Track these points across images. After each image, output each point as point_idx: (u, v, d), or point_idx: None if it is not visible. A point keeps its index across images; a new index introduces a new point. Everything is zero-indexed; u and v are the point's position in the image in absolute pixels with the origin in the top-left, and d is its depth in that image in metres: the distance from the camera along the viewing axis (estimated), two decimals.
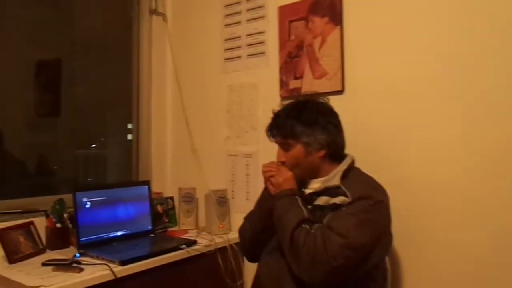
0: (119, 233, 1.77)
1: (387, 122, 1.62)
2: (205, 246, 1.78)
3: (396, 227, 1.34)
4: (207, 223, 2.02)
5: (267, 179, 1.43)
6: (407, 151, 1.58)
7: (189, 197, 2.11)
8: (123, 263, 1.46)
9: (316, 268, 1.19)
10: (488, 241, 1.41)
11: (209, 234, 1.94)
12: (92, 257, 1.54)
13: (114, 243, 1.71)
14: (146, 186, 1.93)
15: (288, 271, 1.29)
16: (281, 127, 1.40)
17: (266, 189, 1.46)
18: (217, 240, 1.86)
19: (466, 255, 1.45)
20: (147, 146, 2.33)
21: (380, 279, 1.36)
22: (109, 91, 2.42)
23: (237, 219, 1.99)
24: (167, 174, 2.37)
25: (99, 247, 1.63)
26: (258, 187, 1.97)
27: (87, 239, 1.64)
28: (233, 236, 1.91)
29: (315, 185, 1.39)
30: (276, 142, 1.45)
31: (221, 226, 1.97)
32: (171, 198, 2.23)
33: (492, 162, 1.41)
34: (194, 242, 1.77)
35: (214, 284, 1.84)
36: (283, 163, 1.41)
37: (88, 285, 1.34)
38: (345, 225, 1.20)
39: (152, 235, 1.89)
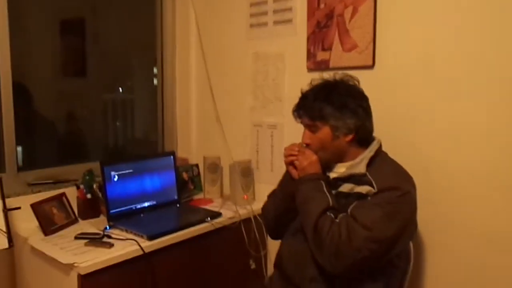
0: (146, 204, 1.82)
1: (417, 101, 1.55)
2: (230, 218, 1.82)
3: (420, 211, 1.31)
4: (231, 194, 2.05)
5: (288, 163, 1.42)
6: (434, 133, 1.52)
7: (214, 166, 2.13)
8: (151, 238, 1.52)
9: (339, 259, 1.20)
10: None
11: (233, 204, 1.97)
12: (121, 229, 1.60)
13: (141, 214, 1.77)
14: (171, 157, 1.95)
15: (311, 255, 1.30)
16: (309, 108, 1.35)
17: (288, 172, 1.44)
18: (241, 211, 1.89)
19: (489, 243, 1.43)
20: (172, 114, 2.34)
21: (403, 266, 1.37)
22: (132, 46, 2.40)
23: (262, 190, 2.02)
24: (192, 140, 2.38)
25: (128, 219, 1.69)
26: (282, 159, 1.96)
27: (116, 211, 1.70)
28: (257, 206, 1.94)
29: (340, 169, 1.37)
30: (302, 123, 1.41)
31: (245, 196, 2.00)
32: (197, 165, 2.26)
33: None
34: (219, 214, 1.81)
35: (239, 255, 1.91)
36: (307, 145, 1.38)
37: (118, 261, 1.40)
38: (371, 216, 1.19)
39: (178, 205, 1.94)
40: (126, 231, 1.58)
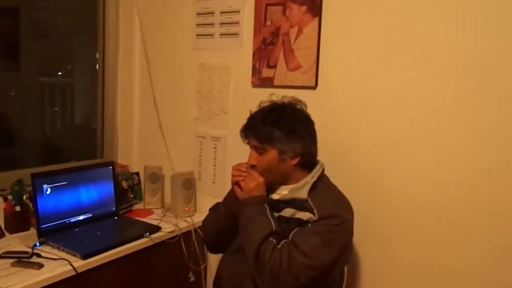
0: (81, 218, 1.74)
1: (358, 121, 1.61)
2: (169, 232, 1.79)
3: (357, 230, 1.37)
4: (172, 205, 2.02)
5: (234, 183, 1.42)
6: (374, 153, 1.59)
7: (155, 176, 2.08)
8: (85, 257, 1.46)
9: (279, 285, 1.22)
10: (444, 245, 1.48)
11: (174, 217, 1.94)
12: (52, 247, 1.53)
13: (76, 229, 1.69)
14: (110, 168, 1.89)
15: (250, 276, 1.31)
16: (258, 130, 1.36)
17: (233, 191, 1.45)
18: (182, 224, 1.87)
19: (422, 259, 1.52)
20: (112, 120, 2.26)
21: (337, 286, 1.42)
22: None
23: (203, 201, 2.02)
24: (133, 147, 2.32)
25: (60, 234, 1.61)
26: (225, 171, 1.98)
27: (47, 226, 1.61)
28: (198, 219, 1.93)
29: (283, 191, 1.39)
30: (249, 144, 1.41)
31: (186, 208, 1.98)
32: (137, 173, 2.21)
33: (456, 162, 1.44)
34: (158, 229, 1.78)
35: (179, 268, 1.89)
36: (253, 166, 1.39)
37: (48, 283, 1.33)
38: (310, 244, 1.22)
39: (116, 217, 1.88)
40: (58, 248, 1.51)
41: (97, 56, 2.23)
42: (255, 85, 1.84)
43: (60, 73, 2.31)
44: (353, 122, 1.62)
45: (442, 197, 1.46)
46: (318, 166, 1.40)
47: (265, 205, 1.33)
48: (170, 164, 2.13)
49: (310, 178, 1.36)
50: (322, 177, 1.40)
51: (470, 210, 1.42)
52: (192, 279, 1.96)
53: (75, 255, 1.47)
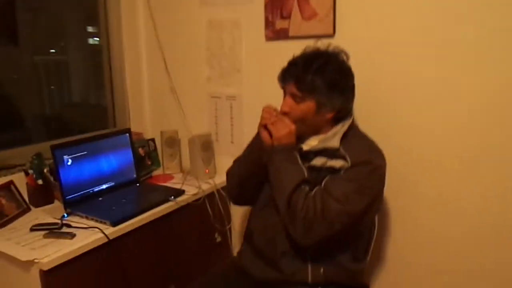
0: (104, 186, 1.73)
1: (379, 70, 1.56)
2: (193, 195, 1.78)
3: (388, 178, 1.33)
4: (192, 168, 2.00)
5: (263, 126, 1.33)
6: (397, 100, 1.55)
7: (171, 141, 2.05)
8: (115, 223, 1.45)
9: (312, 232, 1.21)
10: (475, 199, 1.47)
11: (195, 179, 1.93)
12: (80, 217, 1.52)
13: (100, 198, 1.68)
14: (127, 135, 1.85)
15: (283, 229, 1.31)
16: (300, 77, 1.28)
17: (259, 136, 1.36)
18: (204, 186, 1.86)
19: (452, 211, 1.52)
20: (122, 87, 2.20)
21: (368, 234, 1.42)
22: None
23: (223, 162, 1.99)
24: (145, 114, 2.27)
25: (86, 204, 1.60)
26: (242, 130, 1.95)
27: (72, 197, 1.59)
28: (220, 180, 1.92)
29: (313, 142, 1.35)
30: (285, 89, 1.34)
31: (207, 170, 1.96)
32: (153, 140, 2.17)
33: (485, 115, 1.40)
34: (182, 192, 1.76)
35: (204, 230, 1.89)
36: (285, 114, 1.31)
37: (82, 251, 1.33)
38: (344, 191, 1.21)
39: (138, 184, 1.86)
40: (87, 217, 1.50)
41: (100, 25, 2.14)
42: (269, 39, 1.77)
43: (53, 51, 2.21)
44: (374, 69, 1.56)
45: (466, 142, 1.44)
46: (348, 117, 1.36)
47: (295, 153, 1.30)
48: (185, 127, 2.10)
49: (341, 127, 1.32)
50: (353, 126, 1.36)
51: (493, 155, 1.40)
52: (219, 239, 1.97)
53: (104, 223, 1.46)
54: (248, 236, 1.50)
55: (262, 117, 1.35)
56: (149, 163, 2.14)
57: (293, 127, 1.29)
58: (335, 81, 1.28)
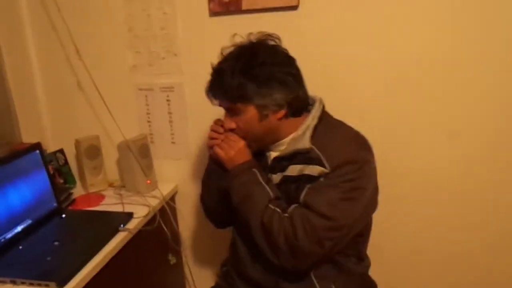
0: (19, 228, 1.24)
1: (349, 44, 1.39)
2: (144, 216, 1.40)
3: None
4: (128, 181, 1.60)
5: (211, 147, 1.19)
6: (368, 79, 1.41)
7: (94, 150, 1.60)
8: (61, 284, 1.03)
9: (300, 259, 1.03)
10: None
11: (135, 195, 1.54)
12: (4, 283, 1.05)
13: (20, 246, 1.19)
14: (37, 152, 1.36)
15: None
16: (227, 87, 1.06)
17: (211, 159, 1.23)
18: (152, 201, 1.49)
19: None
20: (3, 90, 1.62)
21: (367, 230, 1.25)
22: None
23: (163, 168, 1.66)
24: (42, 119, 1.73)
25: (3, 261, 1.12)
26: (186, 127, 1.62)
27: None
28: (166, 191, 1.59)
29: (281, 147, 1.13)
30: (220, 106, 1.13)
31: (148, 181, 1.58)
32: (61, 151, 1.68)
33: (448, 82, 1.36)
34: (130, 216, 1.38)
35: (159, 253, 1.55)
36: (232, 130, 1.13)
37: None
38: (328, 201, 1.00)
39: (63, 215, 1.40)
40: (14, 283, 1.04)
41: None
42: (214, 13, 1.45)
43: None
44: (343, 45, 1.39)
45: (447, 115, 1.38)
46: (316, 104, 1.13)
47: (254, 170, 1.09)
48: (107, 131, 1.66)
49: (311, 121, 1.09)
50: (324, 116, 1.13)
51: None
52: (173, 261, 1.63)
53: (47, 286, 1.02)
54: (235, 266, 1.24)
55: (209, 137, 1.19)
56: (61, 181, 1.66)
57: (241, 143, 1.12)
58: (269, 75, 1.05)
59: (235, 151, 1.11)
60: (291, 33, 1.21)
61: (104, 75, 1.59)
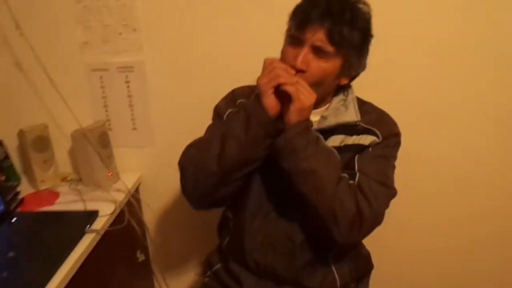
0: None
1: None
2: (111, 214, 1.24)
3: None
4: (85, 175, 1.41)
5: (272, 86, 0.88)
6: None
7: (42, 141, 1.39)
8: None
9: (364, 230, 0.95)
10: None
11: (96, 189, 1.37)
12: None
13: None
14: None
15: (305, 236, 1.03)
16: (335, 27, 0.88)
17: (258, 101, 0.90)
18: (117, 196, 1.33)
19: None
20: None
21: None
22: None
23: (124, 158, 1.50)
24: None
25: None
26: (149, 111, 1.46)
27: None
28: (131, 183, 1.44)
29: (314, 117, 0.98)
30: (305, 38, 0.90)
31: (110, 174, 1.41)
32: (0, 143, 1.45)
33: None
34: (95, 214, 1.21)
35: (127, 252, 1.40)
36: (300, 71, 0.91)
37: None
38: (382, 170, 0.99)
39: (13, 218, 1.19)
40: None
41: None
42: None
43: None
44: None
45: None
46: (350, 84, 1.07)
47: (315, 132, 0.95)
48: (55, 119, 1.45)
49: (351, 96, 1.04)
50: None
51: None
52: (142, 258, 1.50)
53: None
54: (239, 256, 1.11)
55: (273, 73, 0.88)
56: (3, 178, 1.43)
57: (315, 96, 0.90)
58: (367, 36, 0.96)
59: (310, 102, 0.89)
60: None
61: (51, 54, 1.37)
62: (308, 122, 0.91)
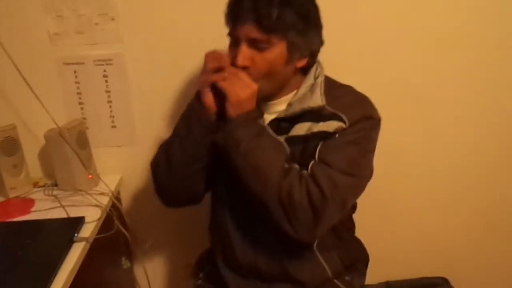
0: None
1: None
2: (98, 219, 1.14)
3: None
4: (62, 178, 1.29)
5: (208, 84, 0.91)
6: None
7: (11, 143, 1.25)
8: None
9: (322, 223, 0.90)
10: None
11: (75, 193, 1.26)
12: None
13: None
14: None
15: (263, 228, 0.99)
16: (263, 14, 0.86)
17: (198, 99, 0.94)
18: (102, 199, 1.23)
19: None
20: None
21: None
22: None
23: (103, 159, 1.40)
24: None
25: None
26: (130, 107, 1.37)
27: None
28: (114, 184, 1.33)
29: (278, 107, 0.99)
30: (240, 34, 0.90)
31: (90, 176, 1.30)
32: None
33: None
34: (81, 220, 1.10)
35: (113, 258, 1.30)
36: (244, 68, 0.91)
37: None
38: (348, 158, 0.91)
39: None
40: None
41: None
42: None
43: None
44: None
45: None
46: (319, 64, 1.03)
47: (262, 122, 0.95)
48: (23, 118, 1.32)
49: (320, 78, 0.99)
50: (326, 76, 1.03)
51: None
52: (127, 265, 1.40)
53: None
54: (230, 262, 1.07)
55: (207, 70, 0.92)
56: None
57: (255, 87, 0.90)
58: (308, 11, 0.92)
59: (247, 94, 0.89)
60: None
61: (18, 46, 1.23)
62: (249, 114, 0.90)
